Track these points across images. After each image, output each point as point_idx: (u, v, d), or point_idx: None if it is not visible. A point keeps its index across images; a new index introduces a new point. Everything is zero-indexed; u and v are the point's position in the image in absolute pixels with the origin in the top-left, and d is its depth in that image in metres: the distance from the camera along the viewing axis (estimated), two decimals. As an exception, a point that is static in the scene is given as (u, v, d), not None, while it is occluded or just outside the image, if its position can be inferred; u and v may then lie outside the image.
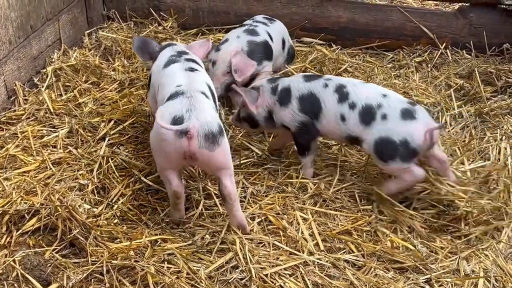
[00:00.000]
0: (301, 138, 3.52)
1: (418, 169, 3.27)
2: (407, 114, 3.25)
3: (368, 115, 3.30)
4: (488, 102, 4.18)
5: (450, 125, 4.03)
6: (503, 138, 3.85)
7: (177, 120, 2.91)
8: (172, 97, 3.03)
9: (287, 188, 3.44)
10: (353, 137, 3.37)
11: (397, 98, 3.35)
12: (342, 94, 3.38)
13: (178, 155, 2.94)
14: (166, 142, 2.93)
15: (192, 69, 3.26)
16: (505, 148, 3.75)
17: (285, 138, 3.71)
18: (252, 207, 3.30)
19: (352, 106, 3.34)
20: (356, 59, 4.75)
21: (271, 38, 4.14)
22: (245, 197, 3.36)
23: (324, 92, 3.43)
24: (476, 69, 4.43)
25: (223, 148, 2.96)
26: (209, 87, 3.22)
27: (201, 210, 3.28)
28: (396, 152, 3.23)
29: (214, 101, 3.19)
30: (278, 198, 3.35)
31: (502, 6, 4.75)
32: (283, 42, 4.29)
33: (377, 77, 4.42)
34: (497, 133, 3.89)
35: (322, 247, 3.07)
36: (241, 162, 3.61)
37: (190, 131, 2.87)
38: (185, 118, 2.90)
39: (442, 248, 3.11)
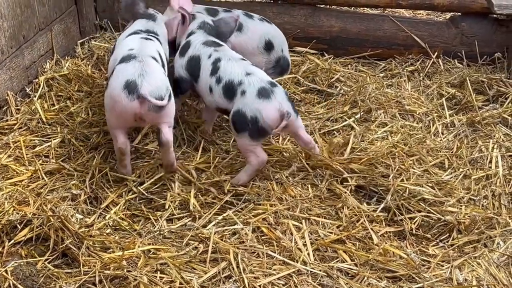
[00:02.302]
0: (178, 88, 3.80)
1: (262, 152, 3.49)
2: (263, 93, 3.43)
3: (230, 90, 3.53)
4: (480, 111, 4.20)
5: (442, 134, 4.05)
6: (495, 147, 3.86)
7: (130, 84, 3.25)
8: (124, 59, 3.37)
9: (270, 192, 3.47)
10: (222, 108, 3.62)
11: (260, 77, 3.52)
12: (215, 67, 3.63)
13: (129, 116, 3.29)
14: (119, 104, 3.27)
15: (146, 38, 3.62)
16: (497, 157, 3.76)
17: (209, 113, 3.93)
18: (245, 216, 3.30)
19: (218, 81, 3.58)
20: (348, 69, 4.76)
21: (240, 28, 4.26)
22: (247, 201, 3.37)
23: (206, 61, 3.68)
24: (467, 78, 4.45)
25: (169, 108, 3.33)
26: (160, 54, 3.56)
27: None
28: (246, 127, 3.42)
29: (163, 66, 3.54)
30: (269, 206, 3.36)
31: (494, 15, 4.77)
32: (268, 44, 4.31)
33: (369, 86, 4.43)
34: (489, 142, 3.91)
35: (315, 257, 3.07)
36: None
37: (143, 96, 3.22)
38: (138, 83, 3.25)
39: (434, 256, 3.12)
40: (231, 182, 3.49)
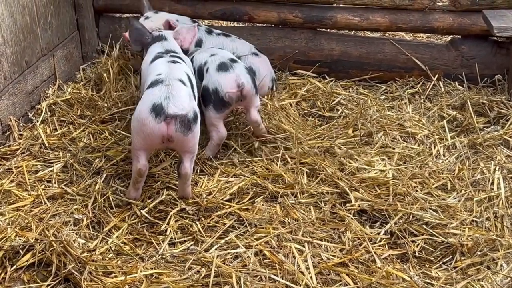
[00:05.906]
0: None
1: (223, 128, 3.85)
2: (222, 67, 3.86)
3: (200, 72, 3.97)
4: (481, 133, 4.20)
5: (444, 156, 4.05)
6: (497, 168, 3.86)
7: (156, 107, 3.30)
8: (152, 84, 3.43)
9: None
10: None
11: (222, 55, 3.98)
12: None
13: (157, 138, 3.34)
14: (146, 127, 3.32)
15: (174, 62, 3.69)
16: (499, 179, 3.76)
17: None
18: (248, 240, 3.29)
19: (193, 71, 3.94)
20: (349, 91, 4.78)
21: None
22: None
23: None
24: (468, 100, 4.46)
25: (194, 135, 3.41)
26: (188, 77, 3.63)
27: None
28: (210, 99, 3.82)
29: (193, 90, 3.61)
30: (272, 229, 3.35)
31: (493, 38, 4.80)
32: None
33: (370, 109, 4.45)
34: (490, 163, 3.91)
35: (318, 280, 3.06)
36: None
37: (168, 117, 3.28)
38: (164, 106, 3.29)
39: (437, 279, 3.11)
40: (202, 156, 3.83)
